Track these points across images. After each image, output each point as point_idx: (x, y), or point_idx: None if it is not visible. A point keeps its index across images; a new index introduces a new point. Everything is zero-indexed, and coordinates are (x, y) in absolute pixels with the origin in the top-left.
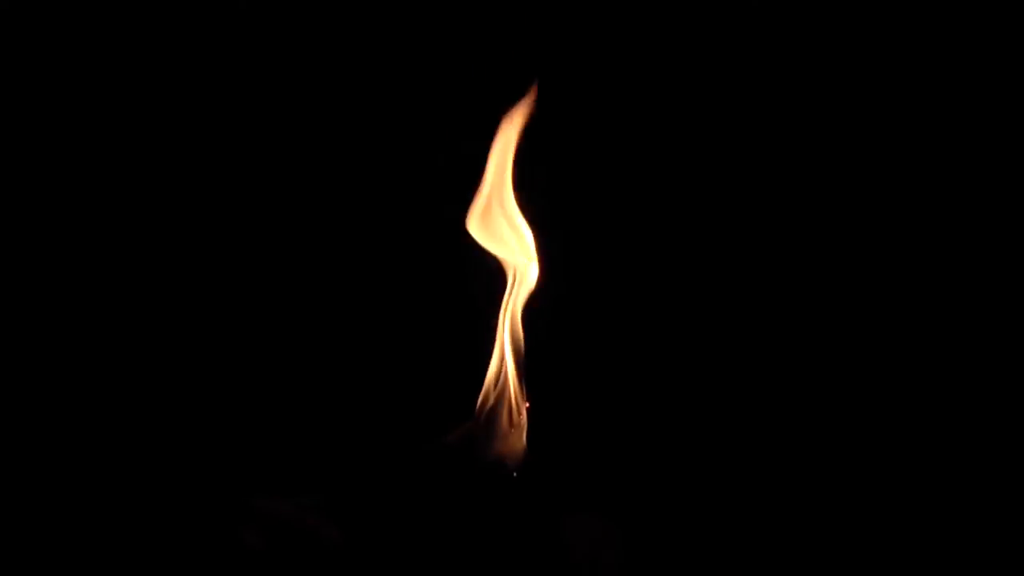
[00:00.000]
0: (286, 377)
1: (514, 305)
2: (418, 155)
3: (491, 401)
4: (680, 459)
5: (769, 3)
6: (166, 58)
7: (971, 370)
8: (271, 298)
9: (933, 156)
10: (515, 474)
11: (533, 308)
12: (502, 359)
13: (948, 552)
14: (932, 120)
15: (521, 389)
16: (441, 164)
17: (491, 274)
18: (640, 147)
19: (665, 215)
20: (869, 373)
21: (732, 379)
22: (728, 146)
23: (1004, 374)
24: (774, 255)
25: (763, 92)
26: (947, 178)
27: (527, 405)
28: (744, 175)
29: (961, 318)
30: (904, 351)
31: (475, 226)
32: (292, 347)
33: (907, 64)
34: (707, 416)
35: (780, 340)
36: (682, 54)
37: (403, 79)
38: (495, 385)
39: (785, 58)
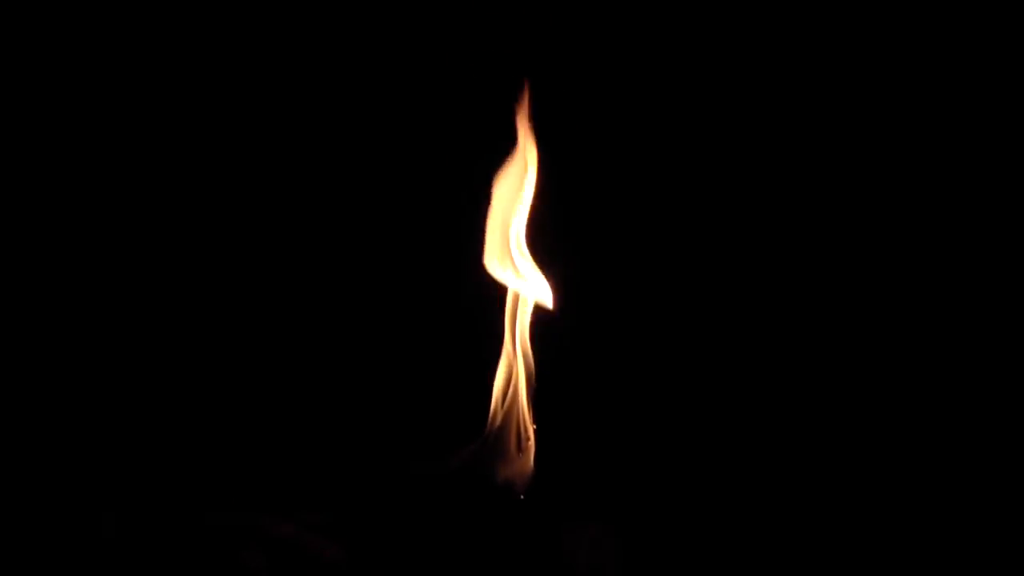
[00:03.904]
0: (293, 396)
1: (522, 330)
2: (427, 170)
3: (498, 423)
4: (681, 472)
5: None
6: (166, 58)
7: (971, 370)
8: (278, 315)
9: (933, 156)
10: (522, 497)
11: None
12: (508, 381)
13: (948, 552)
14: (932, 120)
15: (529, 412)
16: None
17: (499, 298)
18: (644, 168)
19: (669, 241)
20: (868, 384)
21: (729, 400)
22: (730, 163)
23: (1004, 374)
24: (770, 281)
25: (766, 109)
26: (947, 178)
27: (534, 428)
28: (745, 195)
29: (961, 318)
30: (904, 351)
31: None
32: (299, 366)
33: (907, 64)
34: (706, 430)
35: (777, 359)
36: (686, 71)
37: (414, 87)
38: (502, 407)
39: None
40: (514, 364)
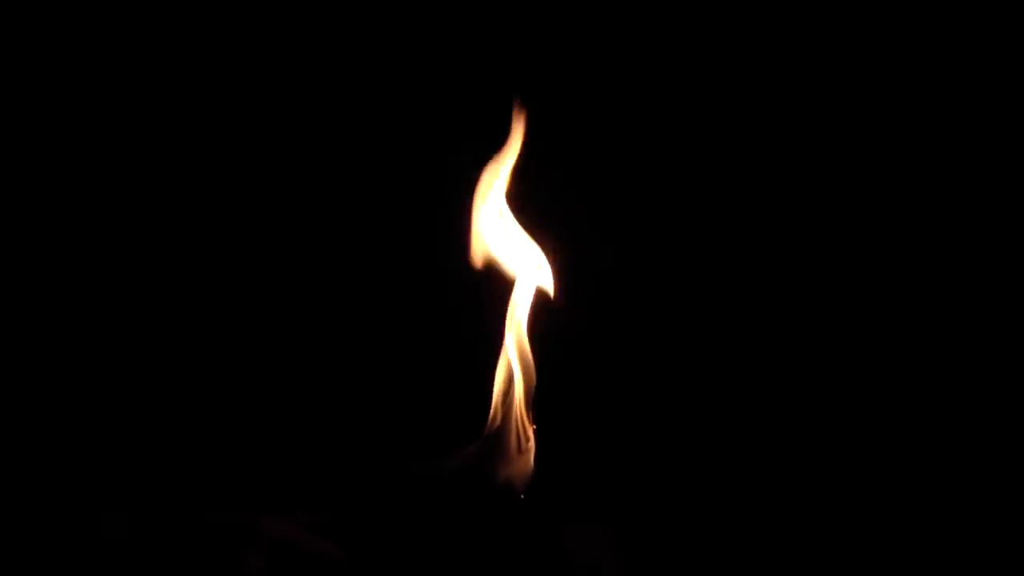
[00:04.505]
0: (293, 396)
1: (520, 328)
2: (425, 170)
3: (498, 422)
4: (681, 472)
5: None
6: (166, 58)
7: (971, 370)
8: (278, 316)
9: (933, 156)
10: (522, 496)
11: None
12: (508, 379)
13: (948, 552)
14: (932, 120)
15: (528, 411)
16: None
17: (499, 296)
18: (641, 164)
19: (669, 241)
20: (868, 384)
21: (729, 399)
22: (730, 157)
23: (1004, 374)
24: (770, 280)
25: (763, 105)
26: (947, 178)
27: (534, 427)
28: (747, 188)
29: (961, 318)
30: (904, 351)
31: (479, 243)
32: (298, 366)
33: (907, 64)
34: (706, 430)
35: (777, 359)
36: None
37: (411, 90)
38: (501, 407)
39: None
40: (513, 364)
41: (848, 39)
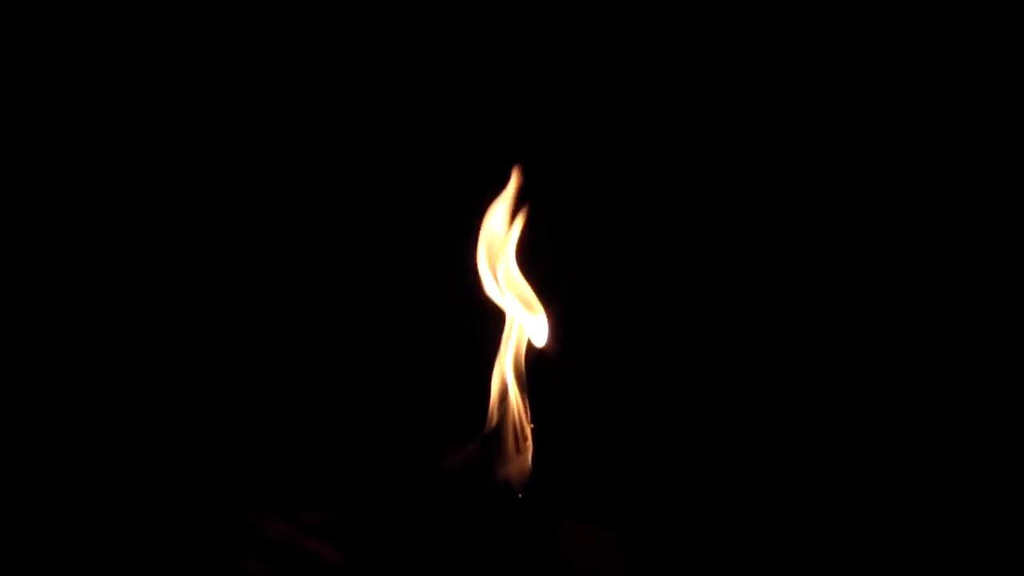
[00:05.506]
0: (292, 397)
1: (517, 335)
2: (427, 171)
3: (495, 422)
4: (681, 472)
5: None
6: (166, 58)
7: (971, 370)
8: (278, 316)
9: (933, 156)
10: (521, 496)
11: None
12: (505, 379)
13: (948, 552)
14: (932, 120)
15: (525, 411)
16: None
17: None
18: (637, 167)
19: (667, 241)
20: (867, 385)
21: (729, 399)
22: (729, 178)
23: (1004, 374)
24: (768, 285)
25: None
26: (947, 178)
27: (532, 427)
28: (741, 199)
29: (961, 318)
30: (904, 351)
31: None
32: (296, 366)
33: (907, 64)
34: (706, 430)
35: (777, 360)
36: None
37: (415, 95)
38: (499, 406)
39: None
40: (511, 363)
41: (848, 40)
